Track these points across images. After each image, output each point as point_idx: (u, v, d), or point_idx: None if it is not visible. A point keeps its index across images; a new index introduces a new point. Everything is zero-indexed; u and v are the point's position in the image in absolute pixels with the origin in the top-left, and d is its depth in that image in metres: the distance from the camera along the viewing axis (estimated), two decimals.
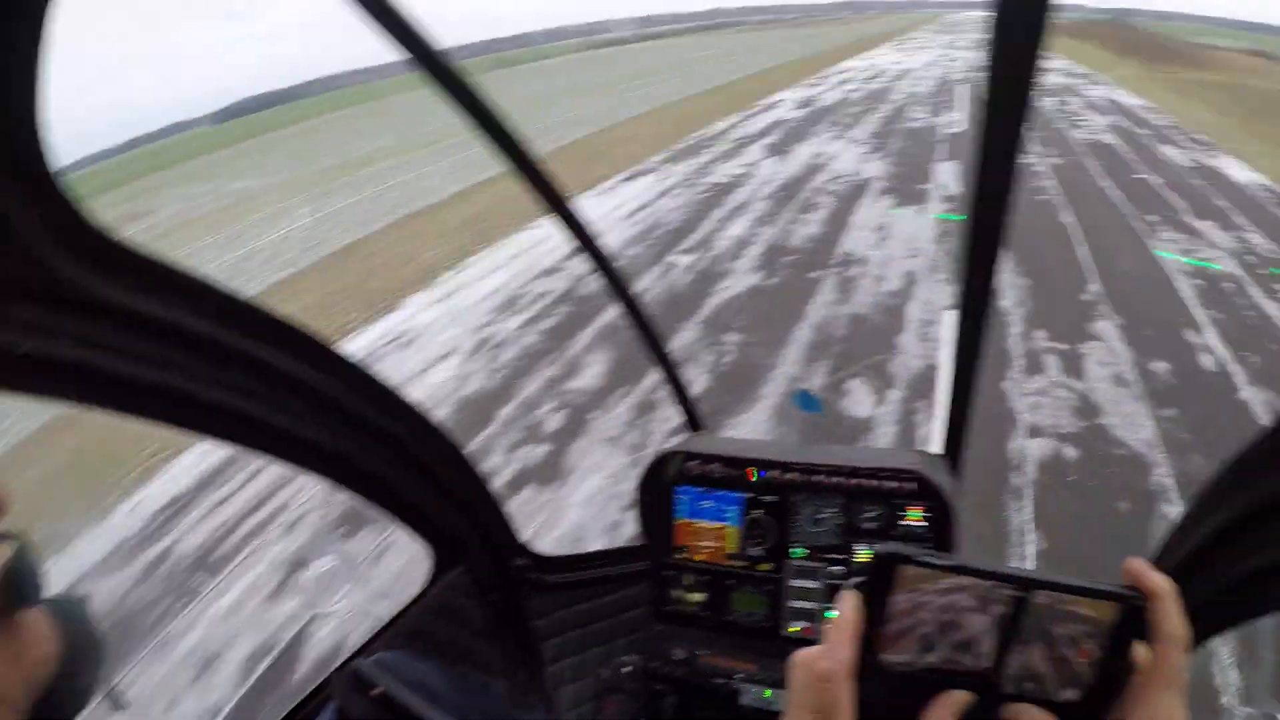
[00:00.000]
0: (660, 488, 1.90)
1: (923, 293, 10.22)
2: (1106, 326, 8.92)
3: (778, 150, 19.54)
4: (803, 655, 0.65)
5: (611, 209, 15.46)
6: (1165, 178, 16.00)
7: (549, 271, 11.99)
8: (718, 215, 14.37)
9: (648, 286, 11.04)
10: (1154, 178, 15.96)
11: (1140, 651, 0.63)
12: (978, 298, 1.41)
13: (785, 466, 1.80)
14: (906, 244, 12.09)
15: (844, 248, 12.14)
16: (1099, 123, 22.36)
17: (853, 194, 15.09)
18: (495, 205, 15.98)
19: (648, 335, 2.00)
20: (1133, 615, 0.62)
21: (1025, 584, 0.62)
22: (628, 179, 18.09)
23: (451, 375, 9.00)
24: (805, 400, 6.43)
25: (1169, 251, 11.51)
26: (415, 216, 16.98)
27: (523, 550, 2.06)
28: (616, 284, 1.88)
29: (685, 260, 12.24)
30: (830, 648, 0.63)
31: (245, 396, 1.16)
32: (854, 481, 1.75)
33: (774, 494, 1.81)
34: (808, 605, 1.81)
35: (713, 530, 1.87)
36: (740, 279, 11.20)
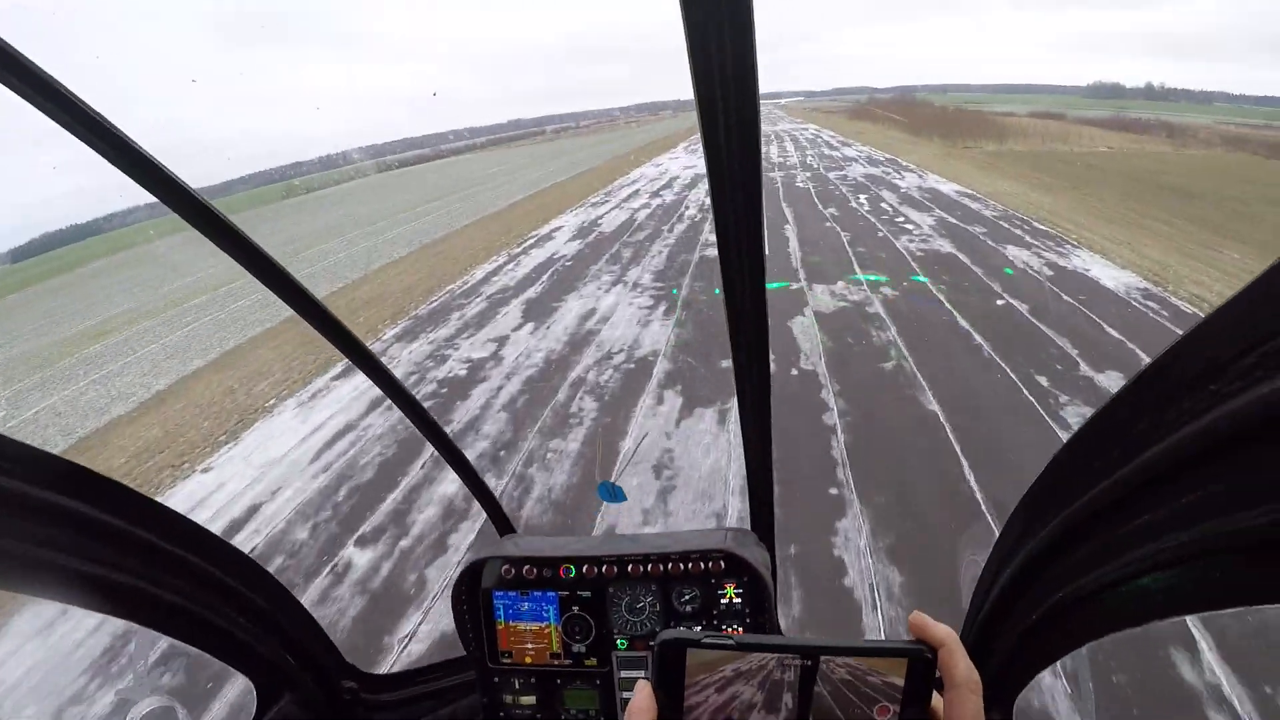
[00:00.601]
0: (476, 595, 1.89)
1: None
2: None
3: (539, 311, 15.09)
4: None
5: (296, 442, 10.41)
6: (1031, 300, 12.45)
7: None
8: (433, 449, 9.34)
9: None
10: (1018, 303, 12.34)
11: (936, 701, 0.67)
12: (755, 372, 1.41)
13: (596, 560, 1.82)
14: (698, 498, 7.49)
15: (607, 518, 7.45)
16: (925, 223, 19.40)
17: (628, 388, 10.74)
18: (176, 426, 11.89)
19: (447, 449, 2.01)
20: (923, 667, 0.65)
21: (811, 652, 0.65)
22: (342, 374, 12.94)
23: None
24: (608, 491, 6.33)
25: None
26: (76, 449, 12.14)
27: (351, 671, 1.99)
28: (413, 410, 1.90)
29: (363, 561, 7.34)
30: None
31: (38, 543, 1.13)
32: (665, 566, 1.79)
33: (588, 589, 1.83)
34: None
35: (534, 631, 1.88)
36: (431, 621, 6.31)
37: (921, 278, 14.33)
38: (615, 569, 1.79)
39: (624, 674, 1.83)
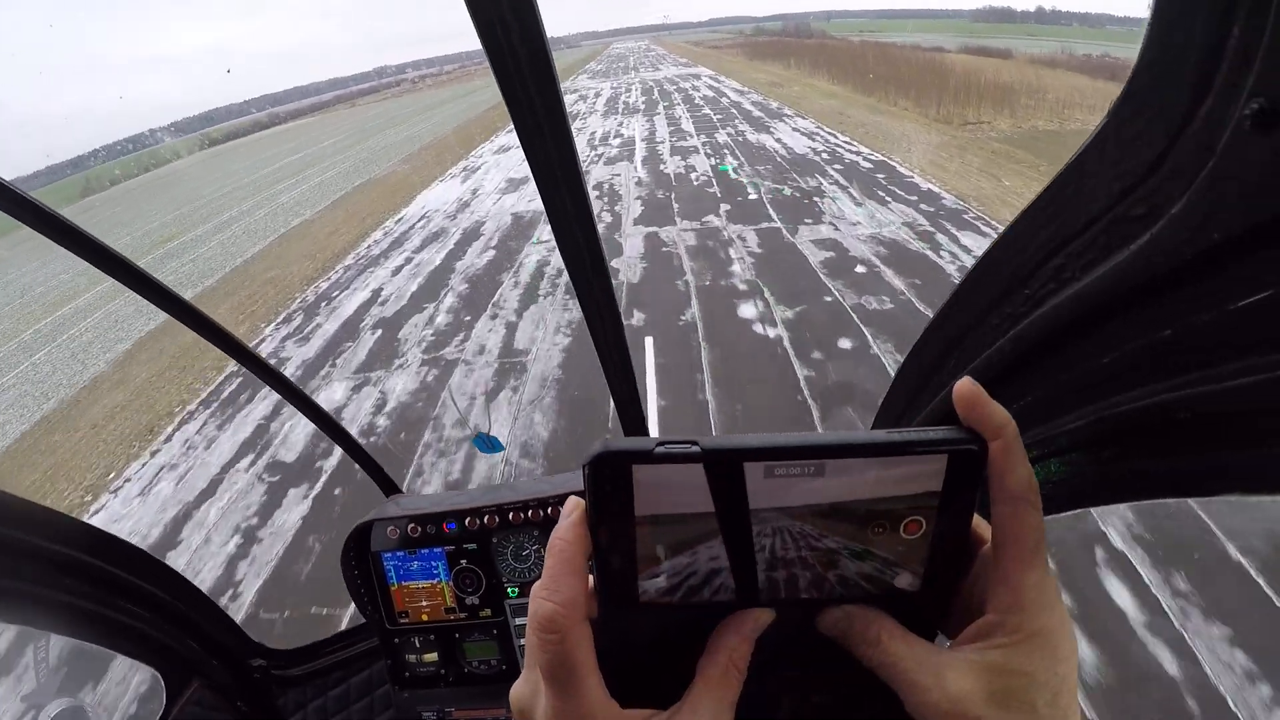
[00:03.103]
0: (366, 560, 1.78)
1: None
2: None
3: None
4: (531, 599, 0.46)
5: None
6: None
7: None
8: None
9: None
10: None
11: (981, 519, 0.47)
12: (600, 300, 1.27)
13: (477, 512, 1.73)
14: None
15: None
16: None
17: None
18: None
19: (326, 422, 1.88)
20: (967, 465, 0.43)
21: (808, 452, 0.42)
22: None
23: None
24: (484, 442, 6.00)
25: None
26: None
27: (258, 649, 1.94)
28: (288, 389, 1.75)
29: None
30: (550, 584, 0.44)
31: None
32: (545, 511, 1.70)
33: (473, 541, 1.75)
34: None
35: (427, 589, 1.79)
36: None
37: None
38: (496, 518, 1.70)
39: (518, 621, 1.76)
